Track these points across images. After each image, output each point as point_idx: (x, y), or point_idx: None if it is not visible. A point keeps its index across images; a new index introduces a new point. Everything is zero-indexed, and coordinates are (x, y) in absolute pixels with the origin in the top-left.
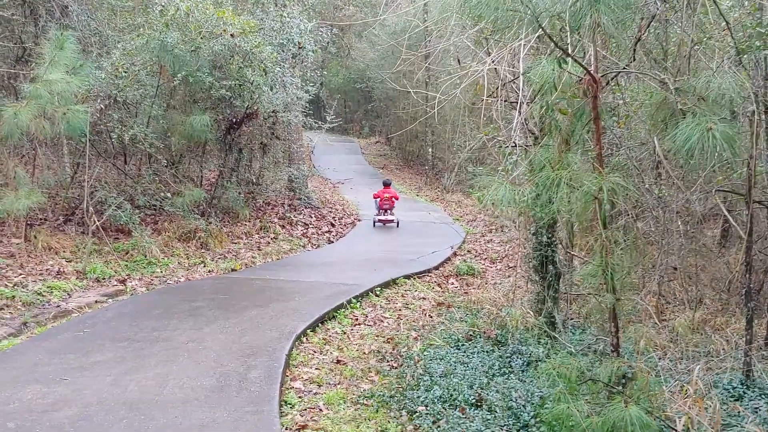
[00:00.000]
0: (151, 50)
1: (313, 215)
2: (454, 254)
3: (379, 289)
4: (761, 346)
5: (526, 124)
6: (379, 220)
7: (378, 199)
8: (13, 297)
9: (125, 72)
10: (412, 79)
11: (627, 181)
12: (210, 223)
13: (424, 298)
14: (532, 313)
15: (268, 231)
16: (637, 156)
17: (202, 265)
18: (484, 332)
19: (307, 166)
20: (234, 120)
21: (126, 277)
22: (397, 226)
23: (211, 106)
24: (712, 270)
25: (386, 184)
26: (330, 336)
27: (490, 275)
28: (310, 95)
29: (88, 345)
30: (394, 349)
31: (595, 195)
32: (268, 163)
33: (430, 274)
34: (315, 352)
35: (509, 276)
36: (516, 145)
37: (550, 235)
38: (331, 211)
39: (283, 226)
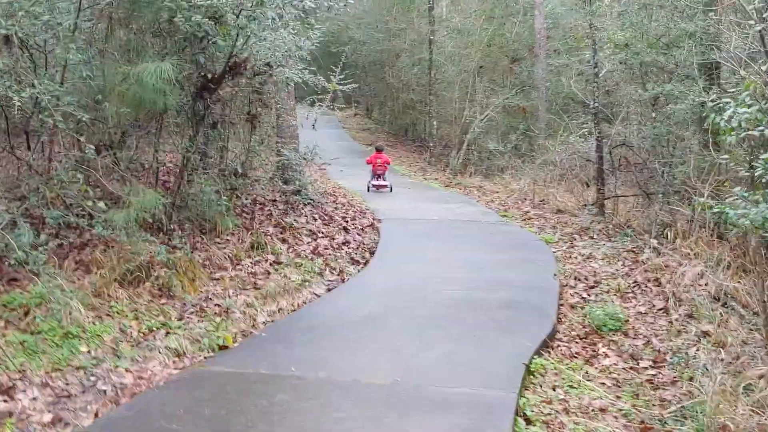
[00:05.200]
0: None
1: (317, 216)
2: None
3: (524, 402)
4: None
5: None
6: (374, 185)
7: (371, 165)
8: None
9: None
10: (404, 39)
11: None
12: (173, 246)
13: (602, 410)
14: None
15: (263, 249)
16: None
17: (164, 331)
18: None
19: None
20: (210, 75)
21: (14, 382)
22: (390, 191)
23: (173, 50)
24: None
25: (378, 150)
26: None
27: (645, 329)
28: (313, 44)
29: None
30: None
31: None
32: (255, 144)
33: (559, 338)
34: None
35: (679, 332)
36: None
37: None
38: (336, 208)
39: (283, 239)
